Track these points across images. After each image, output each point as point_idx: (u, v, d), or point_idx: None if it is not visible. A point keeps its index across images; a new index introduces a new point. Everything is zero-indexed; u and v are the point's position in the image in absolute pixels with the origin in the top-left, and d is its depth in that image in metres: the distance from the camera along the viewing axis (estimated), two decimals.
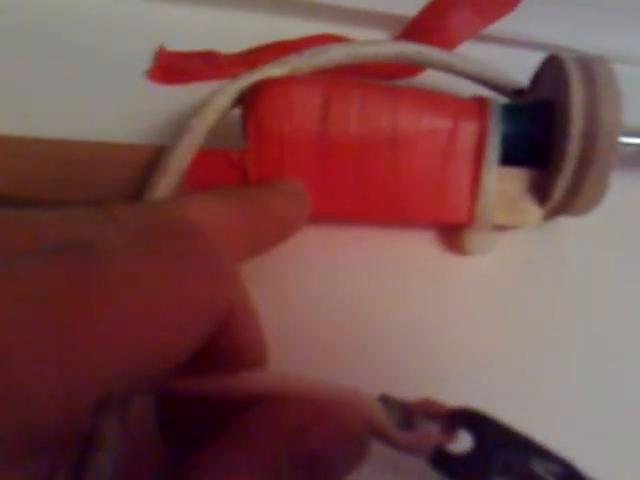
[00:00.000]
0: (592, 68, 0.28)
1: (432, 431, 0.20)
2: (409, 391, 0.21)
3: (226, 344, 0.19)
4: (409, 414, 0.20)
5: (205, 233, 0.19)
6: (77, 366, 0.14)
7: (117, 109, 0.33)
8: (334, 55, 0.30)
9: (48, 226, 0.18)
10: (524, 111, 0.29)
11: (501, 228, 0.30)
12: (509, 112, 0.29)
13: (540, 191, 0.29)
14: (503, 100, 0.30)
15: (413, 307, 0.29)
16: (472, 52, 0.33)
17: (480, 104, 0.29)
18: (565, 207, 0.29)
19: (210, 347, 0.18)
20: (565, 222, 0.30)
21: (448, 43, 0.35)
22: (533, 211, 0.29)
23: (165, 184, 0.26)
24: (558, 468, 0.19)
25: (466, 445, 0.20)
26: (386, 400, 0.20)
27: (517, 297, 0.29)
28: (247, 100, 0.28)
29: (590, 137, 0.27)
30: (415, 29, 0.36)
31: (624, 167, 0.29)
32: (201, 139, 0.27)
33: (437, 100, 0.29)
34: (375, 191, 0.28)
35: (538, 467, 0.19)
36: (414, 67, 0.35)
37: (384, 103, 0.28)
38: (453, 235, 0.30)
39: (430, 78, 0.35)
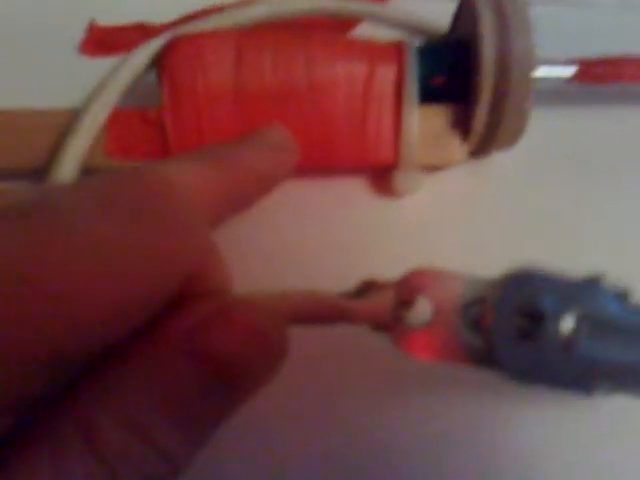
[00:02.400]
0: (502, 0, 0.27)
1: (388, 299, 0.20)
2: None
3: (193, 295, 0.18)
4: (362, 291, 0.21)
5: (167, 183, 0.18)
6: (23, 328, 0.13)
7: (48, 82, 0.33)
8: (256, 12, 0.30)
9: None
10: (440, 50, 0.29)
11: (430, 169, 0.29)
12: (426, 53, 0.29)
13: (462, 127, 0.29)
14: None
15: (349, 253, 0.29)
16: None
17: (396, 47, 0.29)
18: (489, 141, 0.28)
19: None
20: (494, 158, 0.30)
21: None
22: (457, 147, 0.29)
23: (76, 144, 0.26)
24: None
25: (425, 311, 0.20)
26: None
27: (451, 235, 0.29)
28: (161, 58, 0.28)
29: (503, 66, 0.27)
30: None
31: (546, 100, 0.29)
32: (115, 98, 0.28)
33: (352, 45, 0.29)
34: (298, 139, 0.28)
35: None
36: (349, 22, 0.35)
37: (298, 51, 0.28)
38: (382, 179, 0.30)
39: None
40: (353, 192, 0.30)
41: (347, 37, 0.29)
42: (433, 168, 0.30)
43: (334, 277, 0.27)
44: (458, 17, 0.30)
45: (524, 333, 0.19)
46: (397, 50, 0.28)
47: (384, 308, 0.20)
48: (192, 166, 0.21)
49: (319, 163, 0.29)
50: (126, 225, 0.16)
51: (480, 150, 0.29)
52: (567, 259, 0.28)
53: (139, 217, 0.16)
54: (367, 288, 0.21)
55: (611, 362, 0.18)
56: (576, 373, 0.19)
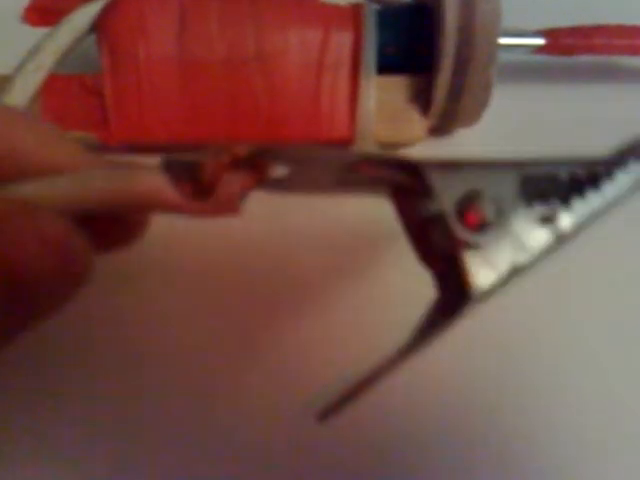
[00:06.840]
0: None
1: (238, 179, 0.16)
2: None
3: None
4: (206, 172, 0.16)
5: None
6: None
7: None
8: None
9: None
10: (401, 15, 0.27)
11: (388, 146, 0.27)
12: (386, 17, 0.27)
13: (423, 100, 0.27)
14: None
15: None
16: None
17: (354, 10, 0.27)
18: (451, 114, 0.27)
19: None
20: (456, 136, 0.28)
21: None
22: (417, 122, 0.27)
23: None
24: None
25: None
26: (169, 165, 0.16)
27: None
28: (100, 20, 0.26)
29: (467, 31, 0.25)
30: None
31: (513, 76, 0.27)
32: (51, 62, 0.26)
33: (306, 9, 0.27)
34: (247, 111, 0.27)
35: None
36: None
37: (246, 15, 0.26)
38: None
39: None
40: None
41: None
42: (392, 146, 0.28)
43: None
44: None
45: None
46: (354, 14, 0.27)
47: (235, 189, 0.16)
48: None
49: (269, 137, 0.27)
50: None
51: (442, 125, 0.27)
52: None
53: None
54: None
55: None
56: None
